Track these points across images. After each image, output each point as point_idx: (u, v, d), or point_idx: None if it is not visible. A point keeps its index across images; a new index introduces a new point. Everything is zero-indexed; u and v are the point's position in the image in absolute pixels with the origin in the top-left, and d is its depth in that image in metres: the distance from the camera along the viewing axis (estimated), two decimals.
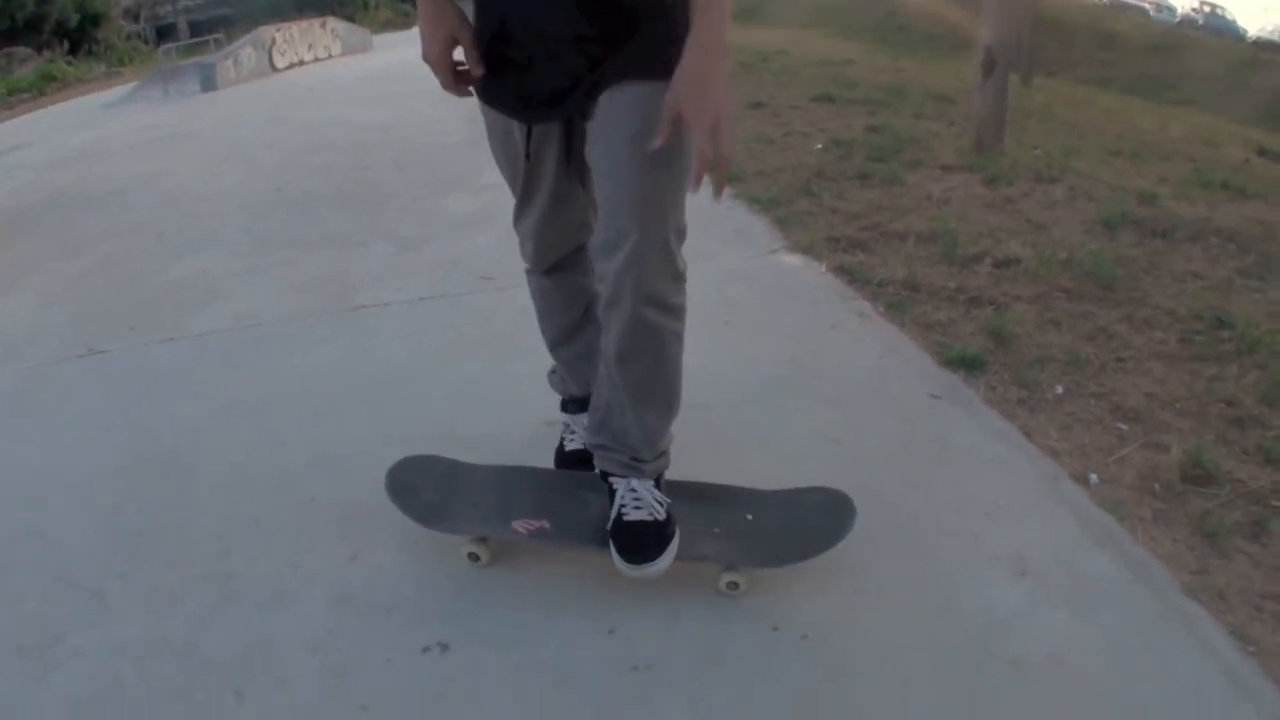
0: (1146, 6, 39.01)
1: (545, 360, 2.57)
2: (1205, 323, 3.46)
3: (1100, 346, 3.31)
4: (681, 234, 1.98)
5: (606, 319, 2.01)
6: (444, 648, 2.09)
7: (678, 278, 2.00)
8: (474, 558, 2.30)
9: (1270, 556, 2.31)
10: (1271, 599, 2.16)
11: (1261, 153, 7.00)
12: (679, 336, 2.08)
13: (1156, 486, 2.53)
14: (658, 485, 2.21)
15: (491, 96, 2.06)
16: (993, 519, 2.38)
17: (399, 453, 2.52)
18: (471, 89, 2.05)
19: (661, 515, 2.16)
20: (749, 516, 2.32)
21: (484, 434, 2.81)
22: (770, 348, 3.25)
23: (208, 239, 5.25)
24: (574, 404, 2.54)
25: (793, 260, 4.10)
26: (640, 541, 2.14)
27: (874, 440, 2.70)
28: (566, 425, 2.58)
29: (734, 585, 2.16)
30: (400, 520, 2.36)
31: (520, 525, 2.28)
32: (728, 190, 5.12)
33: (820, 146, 5.99)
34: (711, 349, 3.08)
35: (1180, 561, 2.26)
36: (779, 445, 2.71)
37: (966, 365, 3.11)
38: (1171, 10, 40.45)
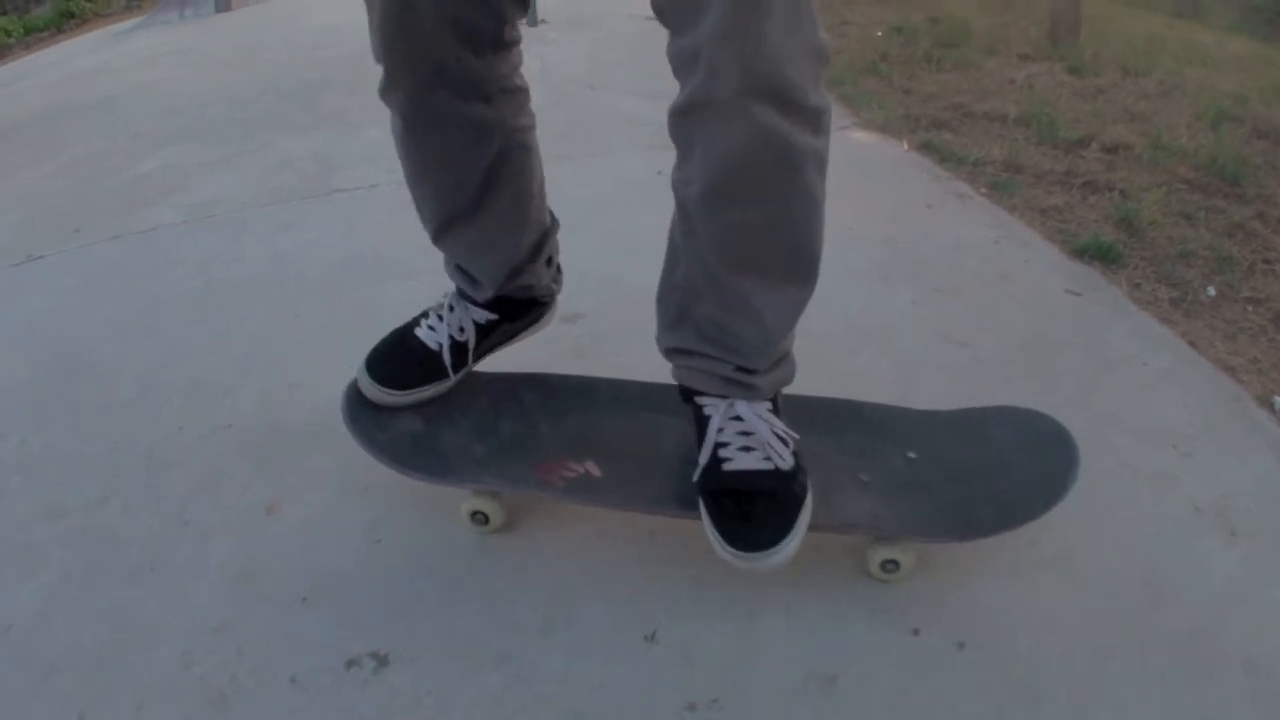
0: None
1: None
2: None
3: (1243, 245, 2.79)
4: None
5: (690, 133, 1.24)
6: (380, 662, 1.45)
7: (817, 56, 1.20)
8: (479, 519, 1.64)
9: None
10: None
11: None
12: (821, 161, 1.27)
13: None
14: (776, 410, 1.50)
15: None
16: (1184, 454, 1.83)
17: (350, 354, 1.80)
18: None
19: (788, 462, 1.44)
20: (910, 455, 1.62)
21: None
22: (860, 229, 2.65)
23: (185, 132, 4.55)
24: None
25: (866, 137, 3.51)
26: (752, 508, 1.42)
27: (1010, 343, 2.15)
28: (446, 307, 1.79)
29: (892, 565, 1.51)
30: (347, 458, 1.75)
31: (551, 470, 1.59)
32: None
33: (880, 34, 5.38)
34: None
35: None
36: (891, 347, 2.15)
37: (1101, 256, 2.58)
38: None
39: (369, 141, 3.84)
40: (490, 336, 1.79)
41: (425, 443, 1.68)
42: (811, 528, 1.42)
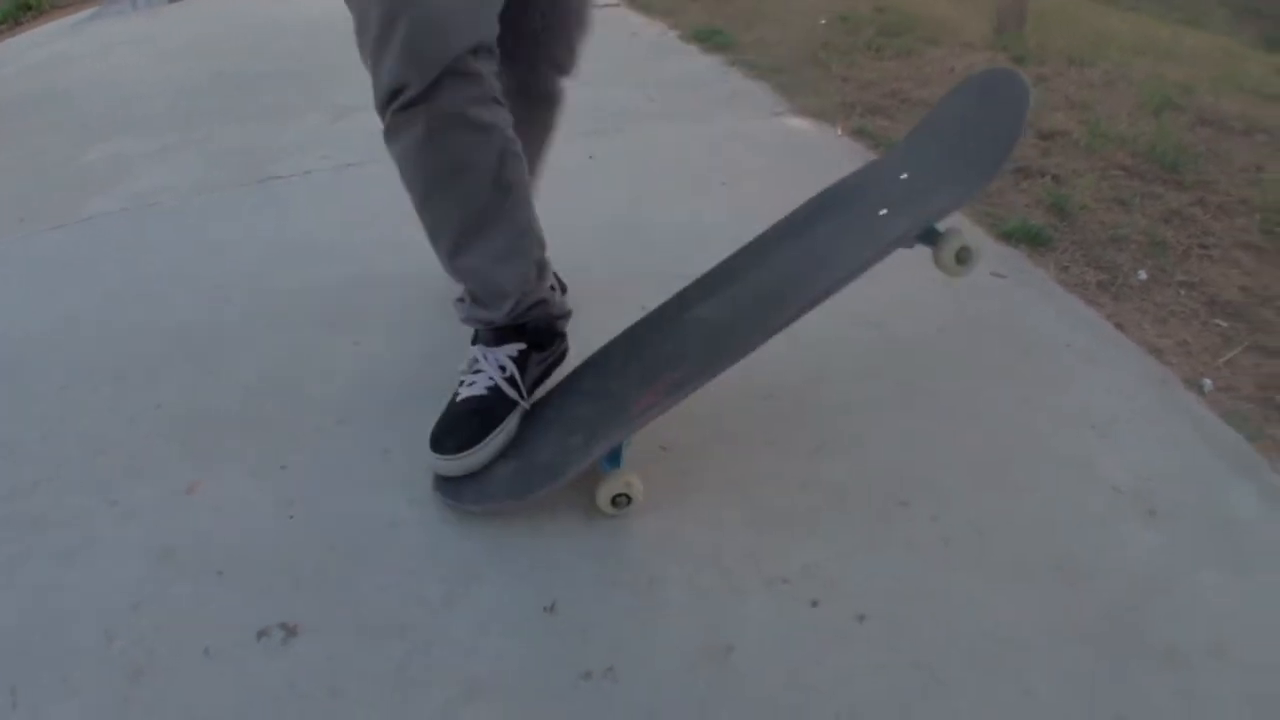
0: None
1: None
2: None
3: (1178, 230, 2.75)
4: None
5: None
6: (289, 633, 1.47)
7: None
8: (621, 501, 1.62)
9: None
10: None
11: None
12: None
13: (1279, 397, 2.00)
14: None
15: None
16: (1104, 436, 1.78)
17: (276, 339, 2.02)
18: None
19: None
20: (903, 176, 1.76)
21: (387, 308, 2.27)
22: (780, 210, 2.57)
23: (132, 122, 4.55)
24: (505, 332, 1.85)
25: (801, 123, 3.44)
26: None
27: (928, 327, 2.08)
28: (472, 361, 1.84)
29: (965, 253, 1.64)
30: (267, 438, 1.79)
31: (646, 399, 1.59)
32: (718, 56, 4.49)
33: (823, 21, 5.33)
34: (707, 210, 2.57)
35: None
36: (803, 330, 2.06)
37: (1030, 240, 2.53)
38: None
39: (306, 130, 3.91)
40: (527, 368, 1.82)
41: (527, 464, 1.69)
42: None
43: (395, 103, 1.53)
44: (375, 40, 1.48)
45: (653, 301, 1.90)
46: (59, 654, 1.48)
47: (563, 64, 1.94)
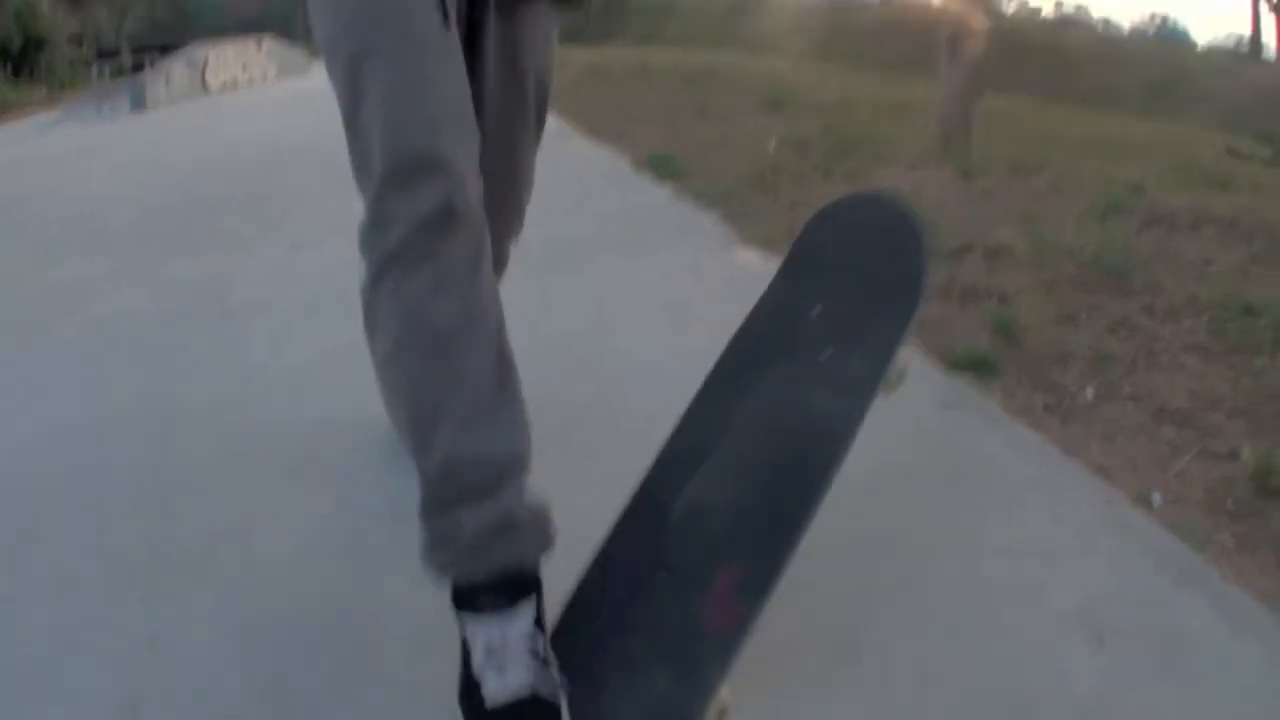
0: (1094, 21, 39.74)
1: None
2: (1232, 310, 3.02)
3: (1125, 341, 2.82)
4: None
5: None
6: None
7: None
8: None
9: None
10: None
11: (1231, 151, 6.63)
12: None
13: (1230, 503, 2.04)
14: None
15: None
16: (1049, 563, 1.80)
17: (240, 479, 2.07)
18: None
19: None
20: (816, 309, 1.72)
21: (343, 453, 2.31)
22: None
23: (93, 242, 4.74)
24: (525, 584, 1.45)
25: (747, 256, 3.56)
26: None
27: (877, 461, 2.08)
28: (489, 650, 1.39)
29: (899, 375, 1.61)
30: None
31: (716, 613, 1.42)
32: (671, 186, 4.61)
33: (773, 146, 5.48)
34: (652, 348, 2.64)
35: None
36: None
37: (975, 367, 2.58)
38: (1118, 26, 41.38)
39: (262, 261, 4.08)
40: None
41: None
42: None
43: (408, 196, 1.36)
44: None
45: (614, 447, 1.90)
46: None
47: (516, 230, 1.97)
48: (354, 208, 1.47)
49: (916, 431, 2.24)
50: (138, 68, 28.47)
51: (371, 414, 2.27)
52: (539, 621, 1.41)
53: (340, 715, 1.54)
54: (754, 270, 3.40)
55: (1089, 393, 2.48)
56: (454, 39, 1.44)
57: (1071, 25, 32.79)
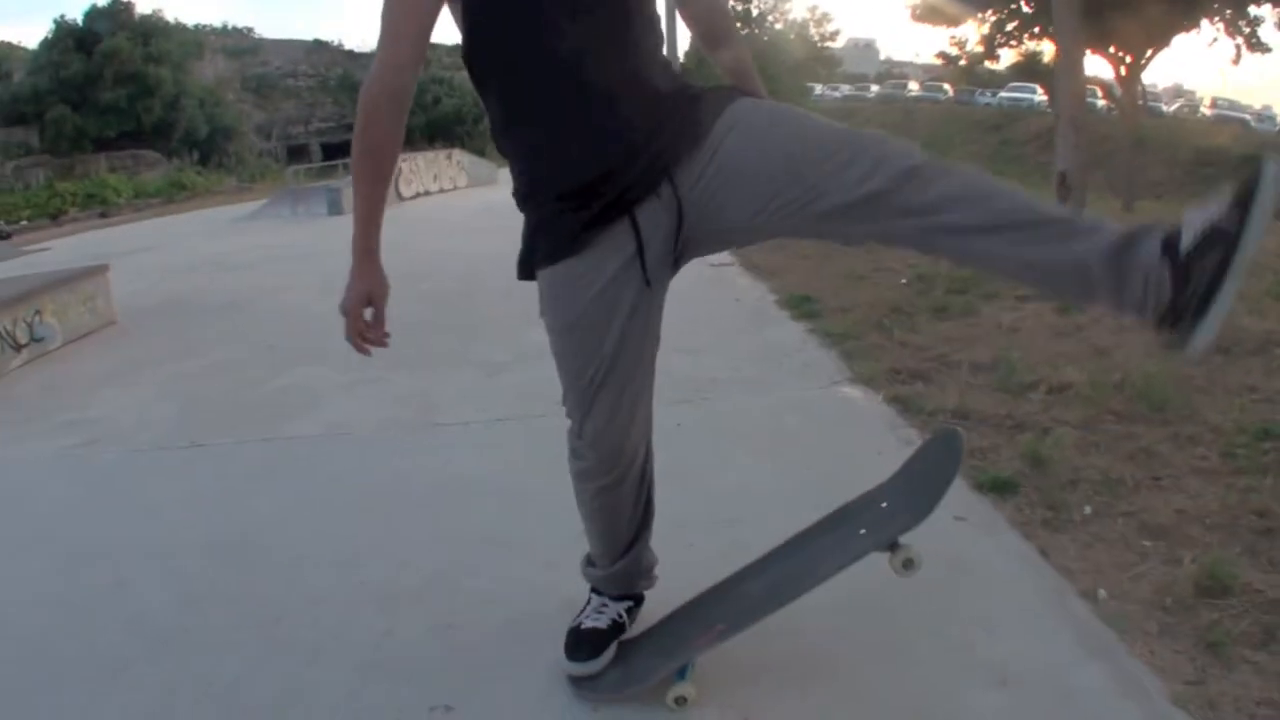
0: (1247, 117, 38.14)
1: None
2: (1249, 435, 3.49)
3: (1139, 466, 3.36)
4: None
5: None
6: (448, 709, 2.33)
7: None
8: (681, 703, 2.28)
9: (1277, 663, 2.30)
10: (1268, 705, 2.17)
11: None
12: None
13: (1168, 600, 2.56)
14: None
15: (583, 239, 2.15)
16: (987, 629, 2.47)
17: (445, 550, 2.98)
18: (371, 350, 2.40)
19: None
20: (884, 505, 2.43)
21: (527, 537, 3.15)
22: (811, 471, 3.46)
23: (314, 354, 5.69)
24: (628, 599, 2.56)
25: (852, 392, 4.34)
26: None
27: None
28: (600, 605, 2.53)
29: (910, 562, 2.23)
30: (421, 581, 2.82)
31: (702, 639, 2.32)
32: (804, 325, 5.38)
33: (904, 281, 6.19)
34: (751, 470, 3.39)
35: (1177, 672, 2.28)
36: None
37: (997, 489, 3.22)
38: (1273, 119, 39.46)
39: (463, 384, 4.96)
40: (634, 613, 2.57)
41: (628, 668, 2.43)
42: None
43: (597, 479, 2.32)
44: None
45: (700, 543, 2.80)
46: (301, 711, 2.38)
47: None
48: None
49: (929, 535, 2.65)
50: (325, 163, 29.20)
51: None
52: (630, 611, 2.59)
53: None
54: (853, 404, 4.21)
55: (1086, 509, 3.07)
56: (657, 294, 2.22)
57: (1224, 123, 31.72)
